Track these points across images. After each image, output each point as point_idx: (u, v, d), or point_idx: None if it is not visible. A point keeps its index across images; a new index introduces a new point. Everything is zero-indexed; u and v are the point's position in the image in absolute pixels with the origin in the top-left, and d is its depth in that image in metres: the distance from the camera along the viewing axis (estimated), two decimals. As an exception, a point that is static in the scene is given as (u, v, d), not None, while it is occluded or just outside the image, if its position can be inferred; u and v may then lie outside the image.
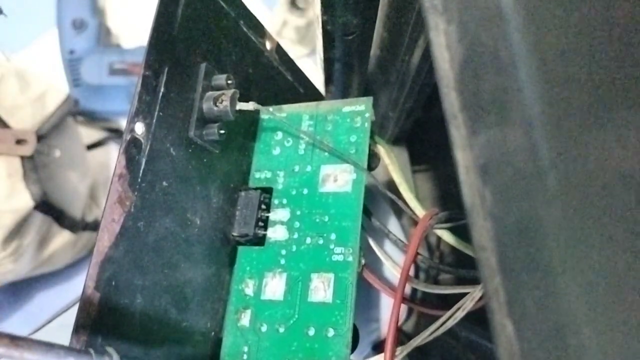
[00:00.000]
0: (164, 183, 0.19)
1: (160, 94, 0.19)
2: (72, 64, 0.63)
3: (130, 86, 0.62)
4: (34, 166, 0.47)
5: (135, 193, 0.18)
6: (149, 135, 0.18)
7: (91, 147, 0.62)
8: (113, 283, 0.16)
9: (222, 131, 0.21)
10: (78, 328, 0.15)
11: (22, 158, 0.46)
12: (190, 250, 0.20)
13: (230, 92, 0.21)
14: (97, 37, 0.64)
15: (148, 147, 0.18)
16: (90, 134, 0.63)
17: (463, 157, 0.12)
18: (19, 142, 0.46)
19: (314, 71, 0.32)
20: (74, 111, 0.56)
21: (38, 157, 0.47)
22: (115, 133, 0.65)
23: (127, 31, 0.68)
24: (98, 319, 0.16)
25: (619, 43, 0.10)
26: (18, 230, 0.46)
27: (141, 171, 0.18)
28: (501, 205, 0.11)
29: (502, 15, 0.11)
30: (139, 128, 0.18)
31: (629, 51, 0.10)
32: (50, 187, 0.49)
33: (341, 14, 0.23)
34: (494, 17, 0.11)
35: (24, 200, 0.46)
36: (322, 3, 0.22)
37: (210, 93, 0.21)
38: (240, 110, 0.21)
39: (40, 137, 0.47)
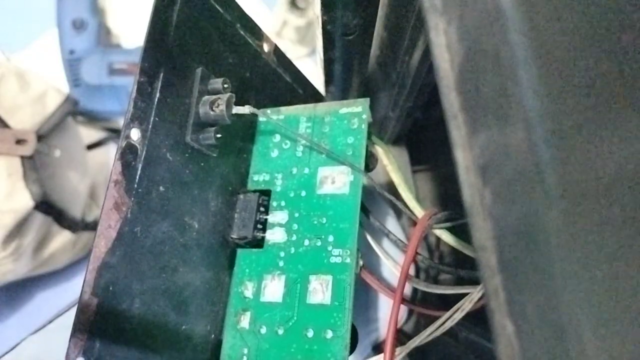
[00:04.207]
0: (161, 188, 0.19)
1: (156, 99, 0.19)
2: (72, 64, 0.63)
3: (130, 86, 0.62)
4: (34, 166, 0.46)
5: (132, 199, 0.18)
6: (145, 141, 0.18)
7: (91, 147, 0.62)
8: (110, 288, 0.16)
9: (218, 135, 0.21)
10: (76, 334, 0.15)
11: (22, 158, 0.46)
12: (188, 254, 0.20)
13: (226, 96, 0.21)
14: (97, 37, 0.64)
15: (144, 152, 0.18)
16: (90, 134, 0.63)
17: (463, 157, 0.12)
18: (19, 142, 0.46)
19: (314, 71, 0.32)
20: (74, 111, 0.56)
21: (38, 157, 0.47)
22: (115, 133, 0.65)
23: (127, 31, 0.68)
24: (96, 325, 0.16)
25: (620, 42, 0.10)
26: (18, 230, 0.46)
27: (137, 177, 0.18)
28: (501, 205, 0.11)
29: (502, 15, 0.11)
30: (135, 134, 0.18)
31: (630, 50, 0.10)
32: (50, 187, 0.49)
33: (341, 14, 0.23)
34: (494, 17, 0.11)
35: (24, 200, 0.46)
36: (322, 3, 0.22)
37: (206, 97, 0.21)
38: (237, 114, 0.21)
39: (40, 137, 0.47)
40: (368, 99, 0.24)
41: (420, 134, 0.42)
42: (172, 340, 0.19)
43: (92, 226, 0.57)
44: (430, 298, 0.37)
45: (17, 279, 0.52)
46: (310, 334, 0.20)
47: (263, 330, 0.21)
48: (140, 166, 0.18)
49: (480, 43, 0.11)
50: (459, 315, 0.20)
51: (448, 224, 0.23)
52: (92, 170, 0.58)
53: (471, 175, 0.12)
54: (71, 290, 0.59)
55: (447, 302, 0.22)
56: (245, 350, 0.21)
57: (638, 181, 0.10)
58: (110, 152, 0.64)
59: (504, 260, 0.11)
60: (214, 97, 0.21)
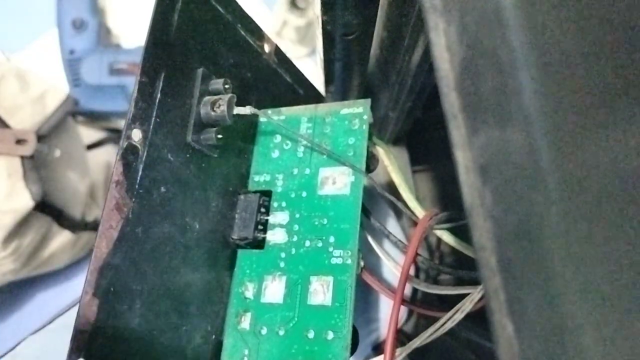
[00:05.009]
0: (162, 189, 0.19)
1: (157, 100, 0.19)
2: (72, 64, 0.63)
3: (130, 86, 0.62)
4: (34, 166, 0.46)
5: (133, 199, 0.18)
6: (146, 142, 0.18)
7: (91, 147, 0.62)
8: (112, 289, 0.16)
9: (220, 135, 0.21)
10: (77, 334, 0.15)
11: (22, 158, 0.46)
12: (189, 254, 0.20)
13: (227, 96, 0.21)
14: (97, 37, 0.64)
15: (145, 153, 0.18)
16: (90, 134, 0.63)
17: (463, 157, 0.12)
18: (19, 142, 0.46)
19: (314, 71, 0.32)
20: (74, 111, 0.56)
21: (38, 157, 0.47)
22: (115, 133, 0.65)
23: (127, 31, 0.68)
24: (97, 325, 0.16)
25: (619, 42, 0.10)
26: (18, 230, 0.46)
27: (138, 177, 0.18)
28: (501, 206, 0.11)
29: (502, 16, 0.11)
30: (136, 135, 0.18)
31: (629, 50, 0.10)
32: (50, 187, 0.49)
33: (341, 14, 0.23)
34: (494, 17, 0.11)
35: (24, 200, 0.46)
36: (322, 3, 0.22)
37: (207, 98, 0.21)
38: (238, 115, 0.21)
39: (40, 137, 0.47)
40: (369, 100, 0.24)
41: (420, 134, 0.42)
42: (173, 340, 0.19)
43: (92, 226, 0.57)
44: (431, 298, 0.37)
45: (17, 279, 0.52)
46: (311, 334, 0.20)
47: (264, 331, 0.21)
48: (141, 167, 0.18)
49: (480, 43, 0.11)
50: (459, 316, 0.20)
51: (449, 225, 0.23)
52: (92, 170, 0.58)
53: (471, 175, 0.12)
54: (71, 290, 0.59)
55: (448, 302, 0.22)
56: (246, 351, 0.21)
57: (637, 180, 0.10)
58: (110, 152, 0.64)
59: (504, 260, 0.11)
60: (215, 97, 0.21)
